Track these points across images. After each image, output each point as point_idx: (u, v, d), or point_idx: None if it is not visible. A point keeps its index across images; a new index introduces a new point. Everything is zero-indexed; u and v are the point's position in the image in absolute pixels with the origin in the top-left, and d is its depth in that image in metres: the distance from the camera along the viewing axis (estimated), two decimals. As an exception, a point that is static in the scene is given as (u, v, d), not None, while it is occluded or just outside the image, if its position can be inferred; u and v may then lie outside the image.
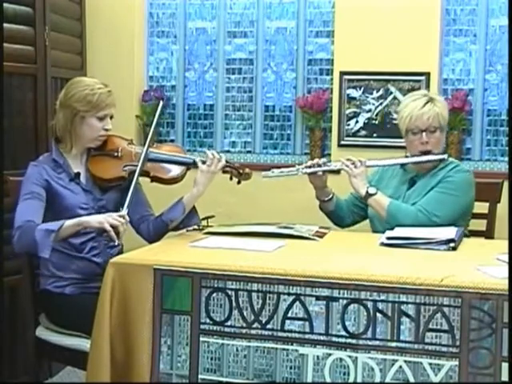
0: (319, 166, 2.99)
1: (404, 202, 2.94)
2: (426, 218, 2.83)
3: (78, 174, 2.75)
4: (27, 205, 2.61)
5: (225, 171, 2.84)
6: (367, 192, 2.93)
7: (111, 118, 2.78)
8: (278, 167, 3.01)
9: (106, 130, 2.76)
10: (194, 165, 2.81)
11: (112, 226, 2.47)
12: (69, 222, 2.53)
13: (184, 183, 2.85)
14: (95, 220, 2.52)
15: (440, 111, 2.95)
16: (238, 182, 2.89)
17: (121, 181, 2.78)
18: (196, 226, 2.86)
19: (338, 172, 3.03)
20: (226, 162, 2.83)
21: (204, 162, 2.77)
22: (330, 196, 3.08)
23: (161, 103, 2.96)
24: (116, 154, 2.81)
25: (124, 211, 2.57)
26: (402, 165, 3.06)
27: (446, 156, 2.99)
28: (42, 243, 2.48)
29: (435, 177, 2.95)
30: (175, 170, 2.84)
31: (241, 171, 2.86)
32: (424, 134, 2.93)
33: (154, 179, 2.83)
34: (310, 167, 2.98)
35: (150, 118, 4.01)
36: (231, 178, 2.87)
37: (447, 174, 2.94)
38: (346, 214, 3.13)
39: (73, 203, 2.70)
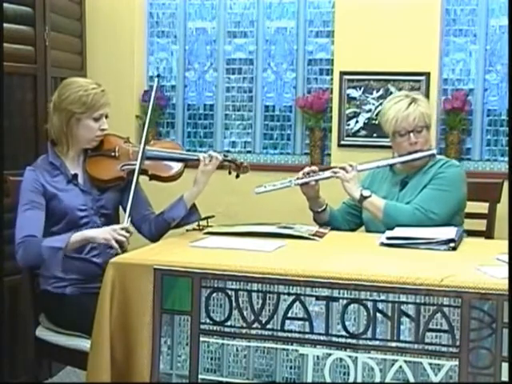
0: (309, 174, 2.97)
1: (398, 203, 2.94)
2: (423, 216, 2.82)
3: (75, 176, 2.75)
4: (27, 217, 2.62)
5: (223, 166, 2.83)
6: (361, 195, 2.92)
7: (106, 117, 2.77)
8: (279, 167, 3.02)
9: (103, 130, 2.76)
10: (195, 161, 2.80)
11: (117, 241, 2.50)
12: (74, 238, 2.57)
13: (183, 181, 2.85)
14: (101, 236, 2.55)
15: (424, 110, 2.95)
16: (237, 176, 2.88)
17: (119, 181, 2.79)
18: (196, 226, 2.86)
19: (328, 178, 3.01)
20: (224, 155, 2.84)
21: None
22: (324, 207, 3.06)
23: (155, 84, 2.92)
24: (113, 153, 2.80)
25: (127, 223, 2.60)
26: (391, 166, 3.05)
27: (435, 151, 2.99)
28: (52, 261, 2.56)
29: (427, 174, 2.95)
30: (173, 168, 2.84)
31: (238, 164, 2.86)
32: (411, 134, 2.93)
33: (153, 177, 2.83)
34: (302, 177, 2.97)
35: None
36: (230, 173, 2.87)
37: (439, 171, 2.94)
38: (341, 224, 3.10)
39: (71, 205, 2.70)
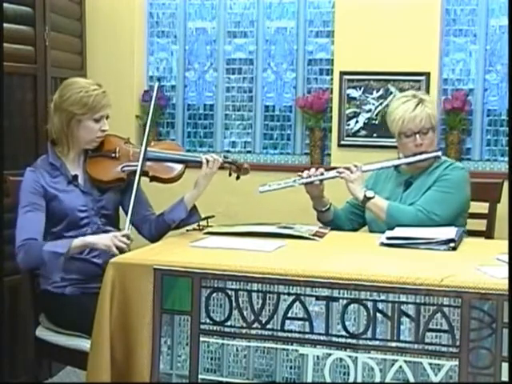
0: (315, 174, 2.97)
1: (401, 204, 2.94)
2: (426, 218, 2.83)
3: (75, 177, 2.75)
4: (27, 219, 2.62)
5: (223, 167, 2.83)
6: (365, 196, 2.92)
7: (107, 118, 2.77)
8: (279, 167, 3.01)
9: (103, 131, 2.76)
10: (196, 163, 2.81)
11: (117, 248, 2.50)
12: (75, 243, 2.58)
13: (183, 181, 2.85)
14: (102, 243, 2.55)
15: (431, 112, 2.96)
16: (237, 178, 2.88)
17: (120, 182, 2.78)
18: (196, 226, 2.86)
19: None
20: (224, 157, 2.84)
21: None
22: (328, 206, 3.06)
23: (155, 87, 2.90)
24: (114, 154, 2.80)
25: (128, 230, 2.60)
26: (396, 167, 3.05)
27: (440, 153, 2.99)
28: (52, 266, 2.56)
29: (431, 175, 2.96)
30: (174, 169, 2.84)
31: (239, 166, 2.86)
32: (417, 136, 2.93)
33: (153, 179, 2.83)
34: (306, 177, 2.97)
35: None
36: (230, 174, 2.87)
37: (443, 172, 2.94)
38: (345, 223, 3.11)
39: (71, 206, 2.70)
